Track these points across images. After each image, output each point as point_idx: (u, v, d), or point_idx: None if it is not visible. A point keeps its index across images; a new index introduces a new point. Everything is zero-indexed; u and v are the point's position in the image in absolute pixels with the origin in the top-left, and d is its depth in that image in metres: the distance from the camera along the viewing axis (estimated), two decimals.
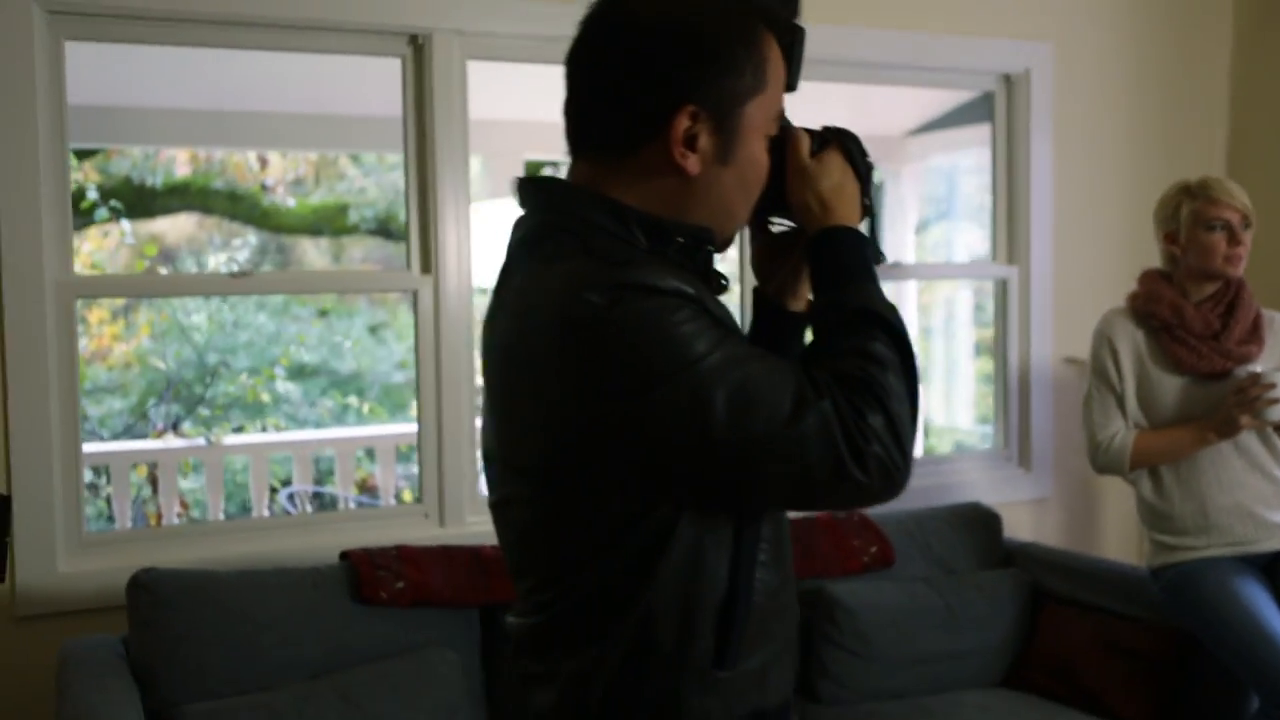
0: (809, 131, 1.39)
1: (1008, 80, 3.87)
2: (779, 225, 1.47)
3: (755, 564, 1.27)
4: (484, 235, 3.54)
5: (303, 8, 2.99)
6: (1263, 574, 2.84)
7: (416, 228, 3.20)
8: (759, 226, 1.48)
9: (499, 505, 1.34)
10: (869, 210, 1.41)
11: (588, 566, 1.24)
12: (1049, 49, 3.86)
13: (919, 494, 3.59)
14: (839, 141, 1.39)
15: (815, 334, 1.31)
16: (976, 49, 3.76)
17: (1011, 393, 3.95)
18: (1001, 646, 3.20)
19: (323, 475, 5.89)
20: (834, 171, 1.37)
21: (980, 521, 3.46)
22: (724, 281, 1.38)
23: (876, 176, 1.46)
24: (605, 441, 1.17)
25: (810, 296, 1.49)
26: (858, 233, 1.35)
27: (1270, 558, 2.85)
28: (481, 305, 5.74)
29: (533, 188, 1.33)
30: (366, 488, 6.01)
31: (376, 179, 8.96)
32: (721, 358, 1.15)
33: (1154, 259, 4.02)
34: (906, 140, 6.22)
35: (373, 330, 8.93)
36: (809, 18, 1.39)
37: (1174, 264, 2.93)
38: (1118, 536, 4.09)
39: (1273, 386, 2.69)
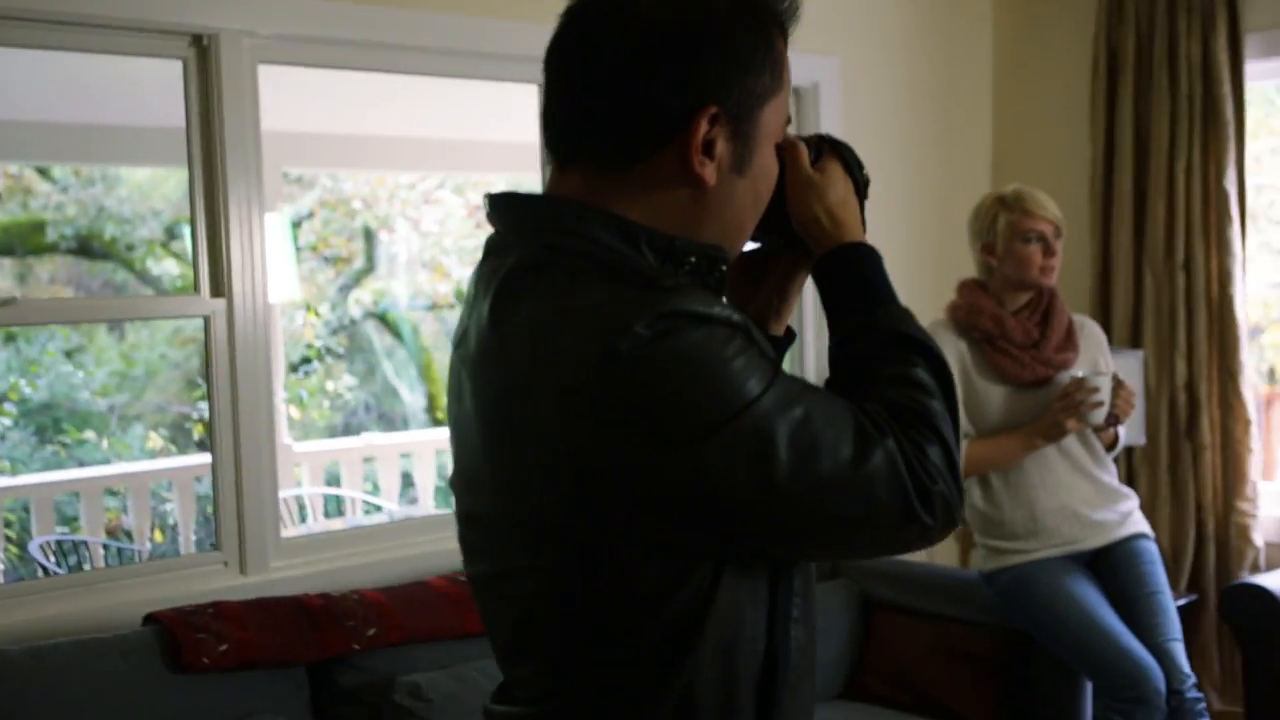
0: (804, 139, 1.28)
1: (796, 93, 3.90)
2: (752, 241, 1.37)
3: (790, 620, 1.15)
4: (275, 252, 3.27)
5: (68, 1, 2.65)
6: (1088, 570, 2.95)
7: (205, 247, 2.90)
8: None
9: (494, 577, 1.15)
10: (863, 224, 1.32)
11: (615, 641, 1.08)
12: (835, 63, 3.92)
13: None
14: (836, 151, 1.29)
15: (844, 361, 1.20)
16: None
17: None
18: (838, 659, 3.20)
19: (63, 520, 5.33)
20: (838, 183, 1.27)
21: None
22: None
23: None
24: (653, 494, 1.02)
25: (790, 318, 1.40)
26: (874, 250, 1.26)
27: (1094, 554, 2.97)
28: (283, 325, 5.31)
29: (520, 206, 1.16)
30: (113, 531, 5.48)
31: (75, 194, 8.25)
32: (778, 395, 1.03)
33: (940, 264, 4.16)
34: None
35: (69, 355, 8.20)
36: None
37: (990, 274, 3.01)
38: (943, 545, 4.18)
39: (1095, 390, 2.80)
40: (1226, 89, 3.76)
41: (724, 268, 1.15)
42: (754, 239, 1.35)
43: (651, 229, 1.10)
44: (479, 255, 1.18)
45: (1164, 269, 3.88)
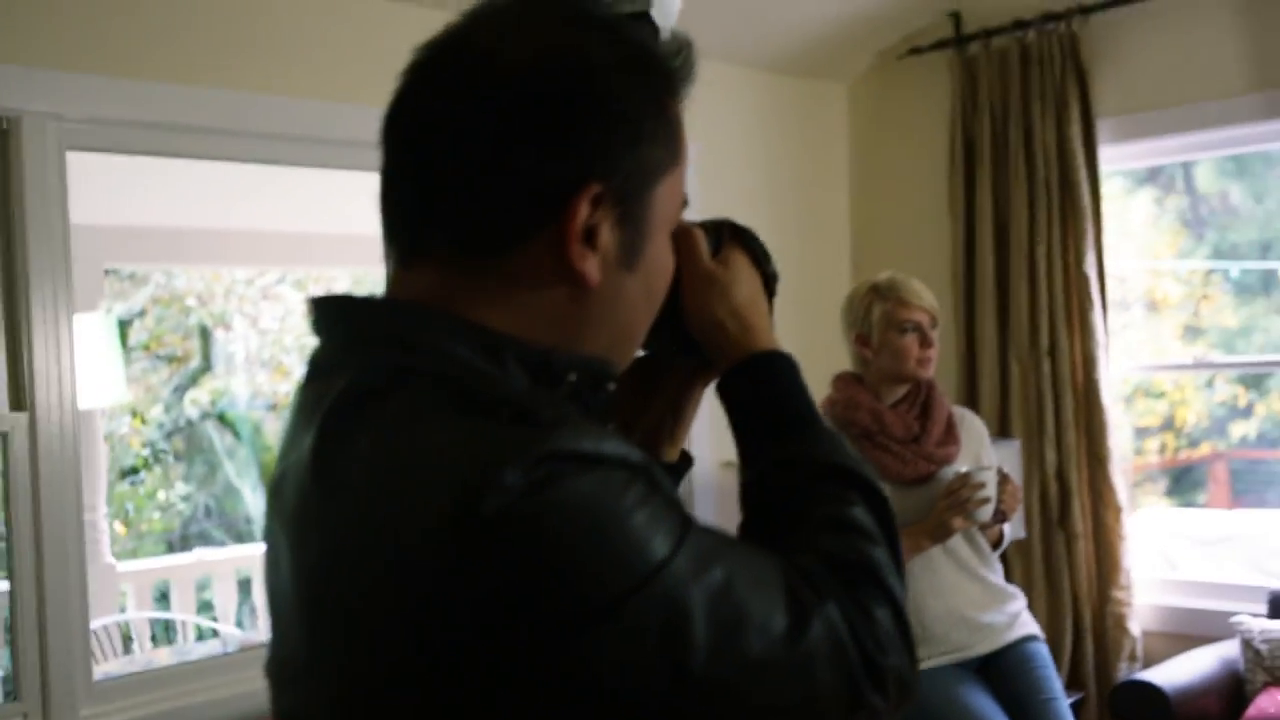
0: (703, 226, 1.07)
1: None
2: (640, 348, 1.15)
3: None
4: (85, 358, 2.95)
5: None
6: (979, 677, 2.79)
7: (3, 355, 2.57)
8: None
9: None
10: None
11: None
12: (696, 149, 3.79)
13: None
14: (741, 241, 1.08)
15: (764, 501, 0.98)
16: None
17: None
18: None
19: None
20: (745, 279, 1.06)
21: None
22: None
23: None
24: (532, 697, 0.77)
25: (686, 442, 1.18)
26: (791, 359, 1.05)
27: (984, 660, 2.81)
28: (91, 440, 4.82)
29: (352, 313, 0.91)
30: None
31: None
32: (691, 555, 0.79)
33: (803, 357, 4.03)
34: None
35: None
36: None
37: (865, 366, 2.87)
38: None
39: (981, 485, 2.66)
40: (1082, 174, 3.76)
41: (610, 386, 0.93)
42: (642, 345, 1.14)
43: (521, 339, 0.87)
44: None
45: (1029, 355, 3.82)
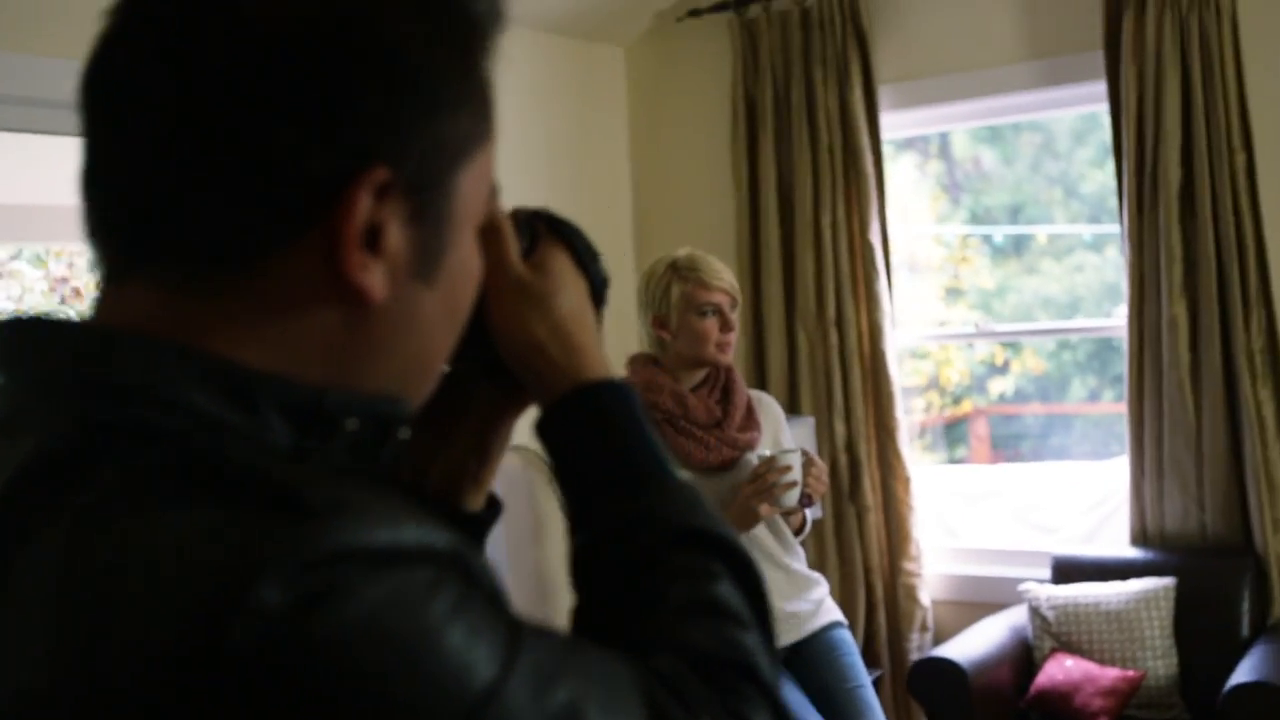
0: (513, 216, 0.85)
1: None
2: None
3: None
4: None
5: None
6: (785, 668, 2.68)
7: None
8: None
9: None
10: None
11: None
12: None
13: None
14: (560, 236, 0.86)
15: (603, 580, 0.77)
16: None
17: None
18: None
19: None
20: (568, 286, 0.84)
21: None
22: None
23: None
24: None
25: (491, 490, 0.95)
26: (628, 389, 0.83)
27: (790, 650, 2.71)
28: None
29: (41, 342, 0.65)
30: None
31: None
32: (526, 673, 0.58)
33: None
34: None
35: None
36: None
37: (663, 349, 2.70)
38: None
39: (787, 469, 2.53)
40: (865, 140, 3.70)
41: (403, 433, 0.71)
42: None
43: (281, 378, 0.64)
44: None
45: (817, 327, 3.76)
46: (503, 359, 0.84)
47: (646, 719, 0.63)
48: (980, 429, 7.40)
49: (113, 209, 0.65)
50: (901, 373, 3.86)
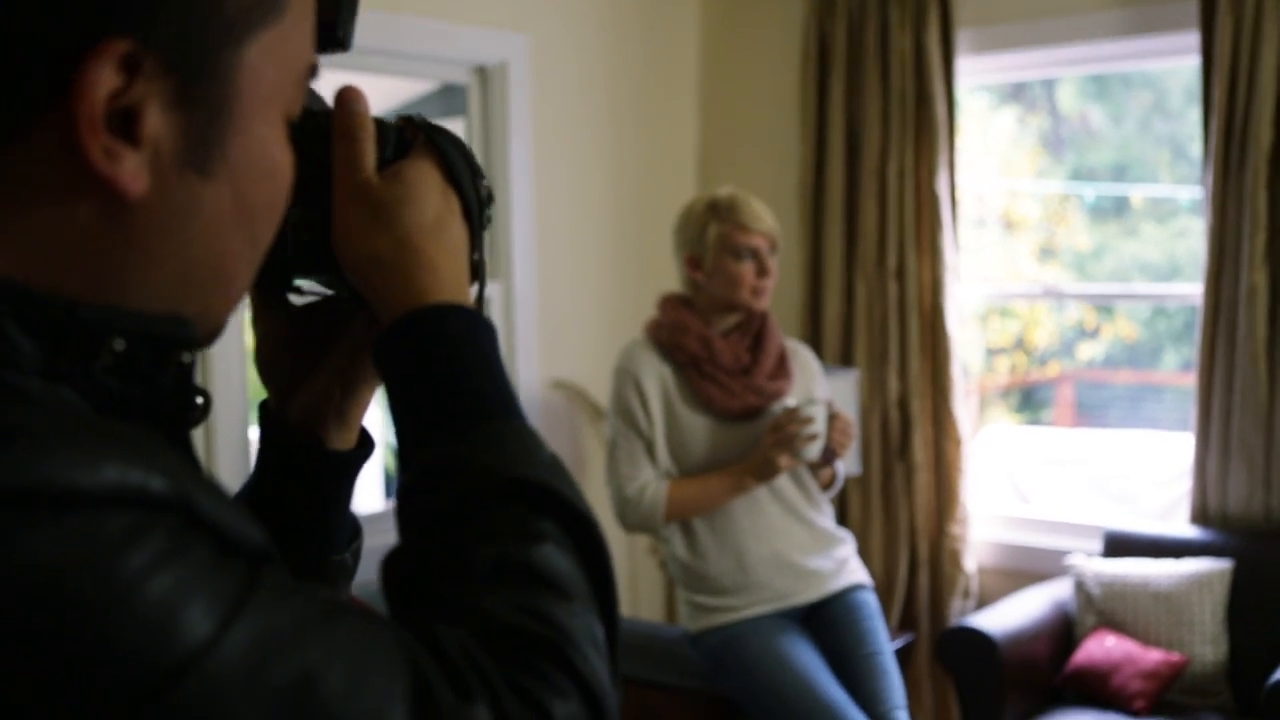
0: (378, 123, 0.77)
1: (482, 72, 3.42)
2: (308, 291, 0.85)
3: None
4: None
5: None
6: (804, 626, 2.61)
7: None
8: (268, 294, 0.84)
9: None
10: (479, 270, 0.80)
11: None
12: (525, 40, 3.46)
13: None
14: (432, 144, 0.78)
15: (411, 522, 0.69)
16: (449, 36, 3.27)
17: None
18: None
19: None
20: (429, 197, 0.76)
21: None
22: (200, 403, 0.73)
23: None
24: None
25: (367, 427, 0.88)
26: (477, 317, 0.75)
27: (809, 609, 2.63)
28: None
29: None
30: None
31: None
32: (251, 635, 0.51)
33: (639, 274, 3.76)
34: None
35: None
36: None
37: (695, 290, 2.61)
38: (647, 593, 3.80)
39: (810, 421, 2.44)
40: (939, 86, 3.53)
41: (187, 357, 0.63)
42: (306, 279, 0.84)
43: (24, 285, 0.57)
44: None
45: (876, 277, 3.63)
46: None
47: (404, 699, 0.55)
48: (1066, 393, 7.19)
49: None
50: (985, 331, 3.71)
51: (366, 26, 3.45)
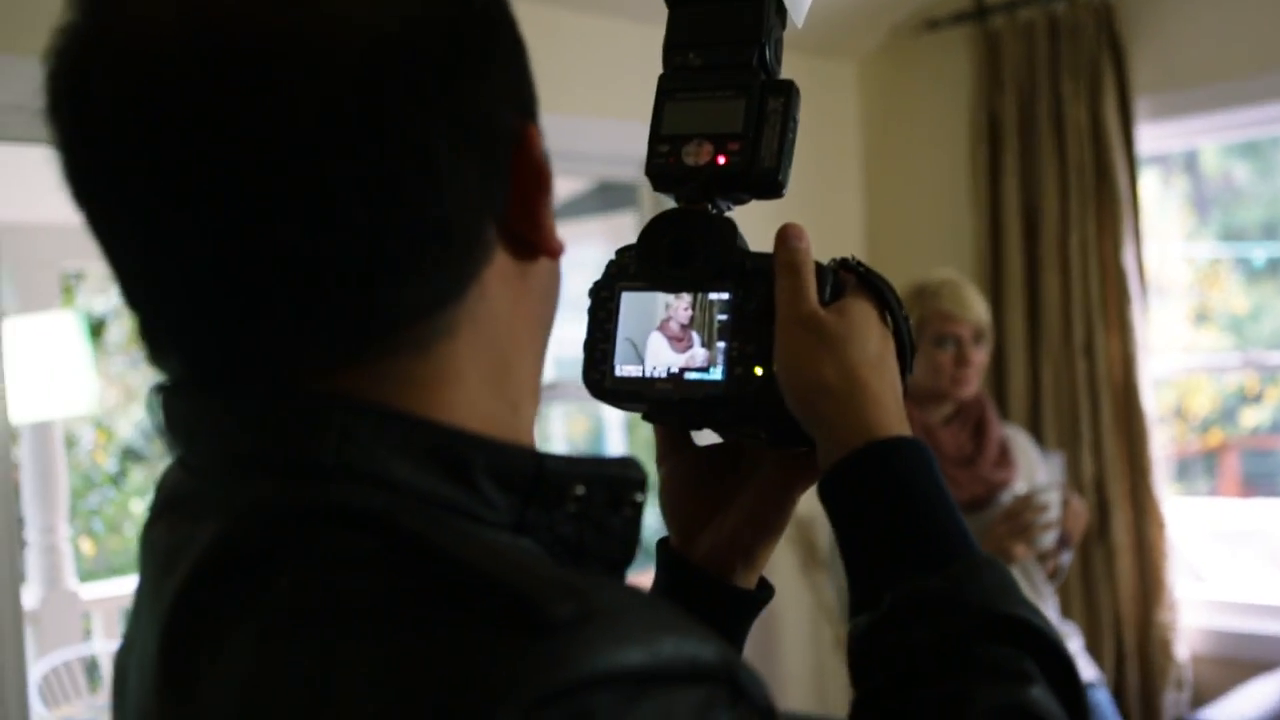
0: (815, 262, 0.77)
1: None
2: (710, 435, 0.83)
3: None
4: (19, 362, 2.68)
5: None
6: None
7: None
8: (676, 435, 0.83)
9: None
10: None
11: None
12: None
13: None
14: (869, 284, 0.77)
15: (887, 663, 0.66)
16: (614, 133, 3.29)
17: None
18: None
19: None
20: (871, 334, 0.74)
21: None
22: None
23: None
24: None
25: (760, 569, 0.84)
26: (927, 451, 0.73)
27: None
28: (49, 454, 4.46)
29: (214, 412, 0.54)
30: None
31: None
32: None
33: None
34: None
35: None
36: None
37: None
38: (835, 691, 3.69)
39: (1045, 508, 2.34)
40: (1118, 155, 3.44)
41: (639, 498, 0.59)
42: (718, 429, 0.81)
43: (491, 439, 0.54)
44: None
45: (1063, 354, 3.52)
46: (789, 417, 0.74)
47: None
48: (1230, 462, 6.91)
49: (176, 314, 0.55)
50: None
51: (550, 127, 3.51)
